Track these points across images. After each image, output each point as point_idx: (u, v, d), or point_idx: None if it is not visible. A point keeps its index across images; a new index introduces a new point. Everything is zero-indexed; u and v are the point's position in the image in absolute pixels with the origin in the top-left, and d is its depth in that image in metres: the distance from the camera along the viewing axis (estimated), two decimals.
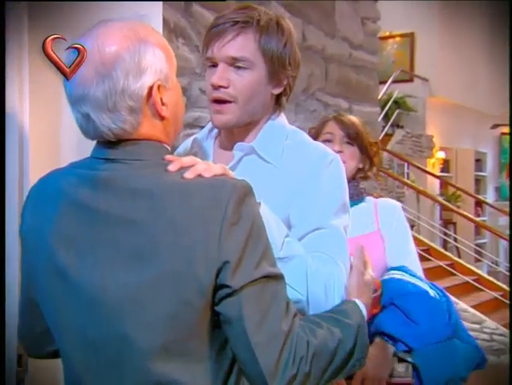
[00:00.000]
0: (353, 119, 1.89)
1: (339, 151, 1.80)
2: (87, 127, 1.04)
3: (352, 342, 1.09)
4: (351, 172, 1.85)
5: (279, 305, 1.00)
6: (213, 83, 1.26)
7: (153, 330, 0.98)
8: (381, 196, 1.95)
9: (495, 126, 11.35)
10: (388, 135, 8.52)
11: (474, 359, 1.71)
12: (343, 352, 1.07)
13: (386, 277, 1.75)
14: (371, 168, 1.91)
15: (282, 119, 1.37)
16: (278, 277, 1.02)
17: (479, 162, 11.28)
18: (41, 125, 2.14)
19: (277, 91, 1.32)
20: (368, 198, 1.90)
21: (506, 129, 11.53)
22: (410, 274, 1.74)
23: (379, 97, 7.24)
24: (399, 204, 1.91)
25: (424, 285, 1.71)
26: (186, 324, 0.98)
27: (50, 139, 2.13)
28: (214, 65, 1.28)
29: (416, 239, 6.78)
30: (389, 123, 8.63)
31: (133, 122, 1.02)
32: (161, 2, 2.81)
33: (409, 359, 1.69)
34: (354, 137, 1.84)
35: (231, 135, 1.35)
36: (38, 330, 1.18)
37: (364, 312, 1.18)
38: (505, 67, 9.06)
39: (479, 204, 10.09)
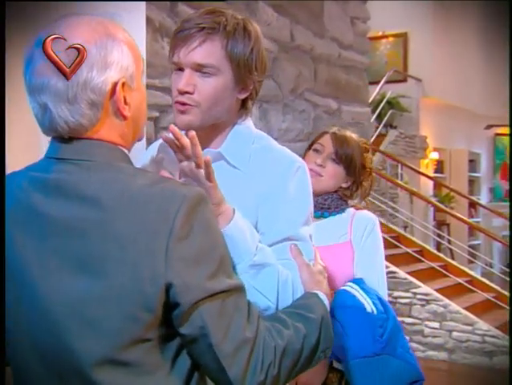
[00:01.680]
0: (351, 140, 1.90)
1: (320, 165, 1.85)
2: (43, 119, 1.00)
3: (317, 336, 1.11)
4: (330, 187, 1.88)
5: (242, 315, 0.99)
6: (178, 88, 1.25)
7: (99, 343, 0.95)
8: (364, 209, 1.97)
9: (489, 126, 11.35)
10: (382, 136, 8.51)
11: (406, 376, 1.73)
12: (309, 347, 1.09)
13: (341, 288, 1.78)
14: (357, 190, 1.93)
15: (248, 122, 1.37)
16: (238, 290, 1.00)
17: (473, 163, 11.28)
18: (20, 126, 2.12)
19: (243, 95, 1.32)
20: (349, 209, 1.92)
21: (501, 130, 11.55)
22: (361, 287, 1.76)
23: (372, 97, 7.23)
24: (375, 217, 1.93)
25: (365, 300, 1.73)
26: (133, 338, 0.95)
27: (29, 140, 2.10)
28: (180, 69, 1.27)
29: (409, 240, 6.88)
30: (382, 124, 8.62)
31: (92, 117, 0.99)
32: (144, 2, 2.79)
33: (342, 370, 1.73)
34: (341, 157, 1.86)
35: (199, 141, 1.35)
36: None
37: (326, 302, 1.20)
38: (500, 68, 9.08)
39: (473, 205, 10.08)
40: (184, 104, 1.26)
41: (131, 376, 0.96)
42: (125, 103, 1.02)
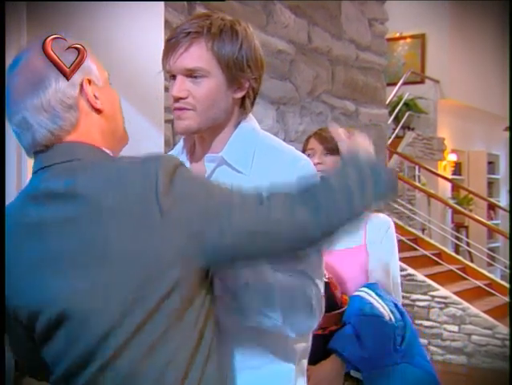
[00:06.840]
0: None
1: (318, 163, 1.90)
2: (26, 136, 1.05)
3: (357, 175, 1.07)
4: None
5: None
6: (172, 95, 1.28)
7: (118, 317, 0.98)
8: (377, 212, 1.96)
9: (508, 128, 11.24)
10: (399, 138, 8.48)
11: (424, 384, 1.74)
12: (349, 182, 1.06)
13: (355, 293, 1.78)
14: None
15: (250, 122, 1.36)
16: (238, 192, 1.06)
17: (492, 164, 11.17)
18: None
19: (239, 95, 1.31)
20: None
21: None
22: (377, 294, 1.75)
23: (390, 99, 7.19)
24: (390, 220, 1.93)
25: (383, 308, 1.73)
26: (157, 301, 0.98)
27: None
28: (174, 76, 1.29)
29: (427, 243, 6.83)
30: (400, 126, 8.57)
31: (71, 118, 1.05)
32: (163, 3, 2.80)
33: (359, 378, 1.73)
34: (333, 149, 1.88)
35: (202, 145, 1.35)
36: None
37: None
38: None
39: (492, 207, 9.98)
40: (180, 109, 1.28)
41: (148, 350, 0.99)
42: (95, 97, 1.08)
